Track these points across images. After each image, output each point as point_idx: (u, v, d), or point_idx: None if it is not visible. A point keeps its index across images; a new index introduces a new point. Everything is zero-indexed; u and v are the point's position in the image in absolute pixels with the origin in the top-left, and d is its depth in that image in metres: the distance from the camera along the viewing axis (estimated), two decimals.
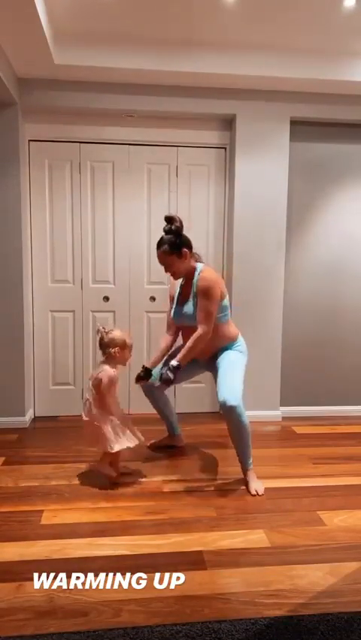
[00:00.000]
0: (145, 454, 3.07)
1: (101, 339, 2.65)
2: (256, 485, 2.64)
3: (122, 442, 2.61)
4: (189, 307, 2.73)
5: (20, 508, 2.41)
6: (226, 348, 2.79)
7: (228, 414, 2.54)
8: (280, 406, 3.84)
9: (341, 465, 2.99)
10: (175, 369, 2.62)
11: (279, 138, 3.57)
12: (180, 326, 2.88)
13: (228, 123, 3.69)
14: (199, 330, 2.63)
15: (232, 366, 2.69)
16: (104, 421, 2.59)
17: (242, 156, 3.56)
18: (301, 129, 3.68)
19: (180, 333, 2.92)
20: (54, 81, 3.35)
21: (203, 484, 2.70)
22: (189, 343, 2.65)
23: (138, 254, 3.77)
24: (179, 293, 2.84)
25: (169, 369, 2.62)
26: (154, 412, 3.92)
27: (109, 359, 2.65)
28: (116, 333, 2.64)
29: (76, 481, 2.70)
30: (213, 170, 3.77)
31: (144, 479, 2.74)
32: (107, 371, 2.60)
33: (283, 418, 3.82)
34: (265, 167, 3.58)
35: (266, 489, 2.64)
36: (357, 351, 3.94)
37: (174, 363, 2.62)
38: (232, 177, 3.63)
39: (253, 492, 2.61)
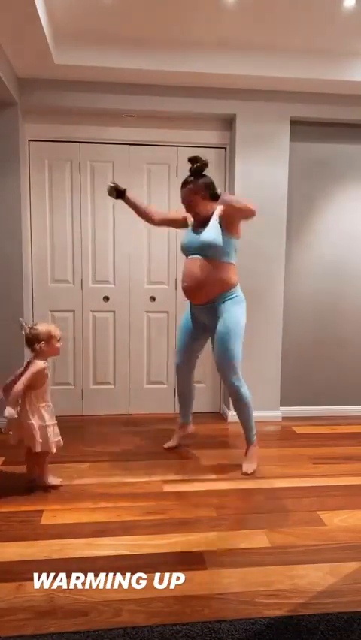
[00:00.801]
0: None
1: (26, 335, 2.59)
2: (248, 465, 2.82)
3: (45, 443, 2.54)
4: (209, 233, 2.67)
5: (20, 508, 2.40)
6: (223, 299, 2.76)
7: (229, 388, 2.81)
8: (280, 406, 3.84)
9: (341, 465, 2.99)
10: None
11: (279, 138, 3.57)
12: (188, 257, 2.82)
13: (228, 123, 3.69)
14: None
15: (229, 335, 2.74)
16: (33, 418, 2.52)
17: (242, 156, 3.56)
18: (301, 129, 3.68)
19: (185, 265, 2.85)
20: (54, 81, 3.35)
21: (203, 484, 2.70)
22: (241, 200, 2.59)
23: (138, 254, 3.77)
24: (193, 225, 2.83)
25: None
26: (153, 412, 3.92)
27: (38, 354, 2.59)
28: (40, 327, 2.59)
29: (76, 481, 2.70)
30: (213, 170, 3.75)
31: (143, 479, 2.74)
32: (35, 365, 2.55)
33: (283, 418, 3.81)
34: (265, 167, 3.58)
35: (266, 489, 2.64)
36: (357, 351, 3.94)
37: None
38: (232, 177, 3.63)
39: (244, 470, 2.80)
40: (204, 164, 2.73)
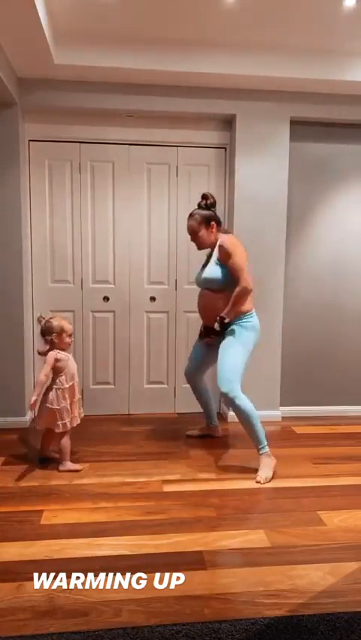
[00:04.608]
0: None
1: (41, 327, 2.82)
2: (263, 472, 2.75)
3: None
4: (208, 271, 2.90)
5: (20, 508, 2.41)
6: (233, 323, 2.84)
7: (224, 398, 2.86)
8: (280, 405, 3.84)
9: (341, 465, 2.99)
10: (221, 320, 2.79)
11: (279, 138, 3.57)
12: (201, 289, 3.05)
13: (228, 123, 3.69)
14: (238, 287, 2.76)
15: (230, 348, 2.80)
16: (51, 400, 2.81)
17: (242, 156, 3.56)
18: (301, 129, 3.67)
19: (198, 296, 3.07)
20: (54, 81, 3.35)
21: (203, 484, 2.70)
22: (232, 299, 2.78)
23: (138, 254, 3.77)
24: (205, 261, 3.06)
25: (216, 321, 2.83)
26: (153, 412, 3.92)
27: (51, 346, 2.81)
28: (54, 322, 2.80)
29: (76, 481, 2.70)
30: (213, 170, 3.76)
31: (143, 479, 2.74)
32: (49, 357, 2.78)
33: (283, 418, 3.81)
34: (265, 167, 3.58)
35: (266, 489, 2.64)
36: (357, 351, 3.94)
37: (220, 314, 2.80)
38: (232, 177, 3.63)
39: (258, 479, 2.72)
40: (213, 203, 2.96)
